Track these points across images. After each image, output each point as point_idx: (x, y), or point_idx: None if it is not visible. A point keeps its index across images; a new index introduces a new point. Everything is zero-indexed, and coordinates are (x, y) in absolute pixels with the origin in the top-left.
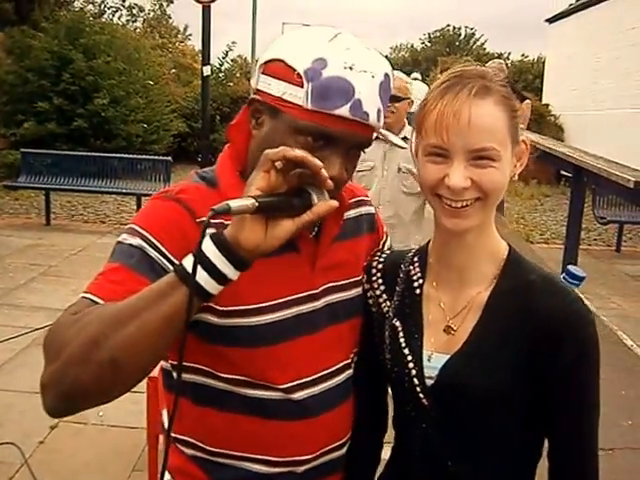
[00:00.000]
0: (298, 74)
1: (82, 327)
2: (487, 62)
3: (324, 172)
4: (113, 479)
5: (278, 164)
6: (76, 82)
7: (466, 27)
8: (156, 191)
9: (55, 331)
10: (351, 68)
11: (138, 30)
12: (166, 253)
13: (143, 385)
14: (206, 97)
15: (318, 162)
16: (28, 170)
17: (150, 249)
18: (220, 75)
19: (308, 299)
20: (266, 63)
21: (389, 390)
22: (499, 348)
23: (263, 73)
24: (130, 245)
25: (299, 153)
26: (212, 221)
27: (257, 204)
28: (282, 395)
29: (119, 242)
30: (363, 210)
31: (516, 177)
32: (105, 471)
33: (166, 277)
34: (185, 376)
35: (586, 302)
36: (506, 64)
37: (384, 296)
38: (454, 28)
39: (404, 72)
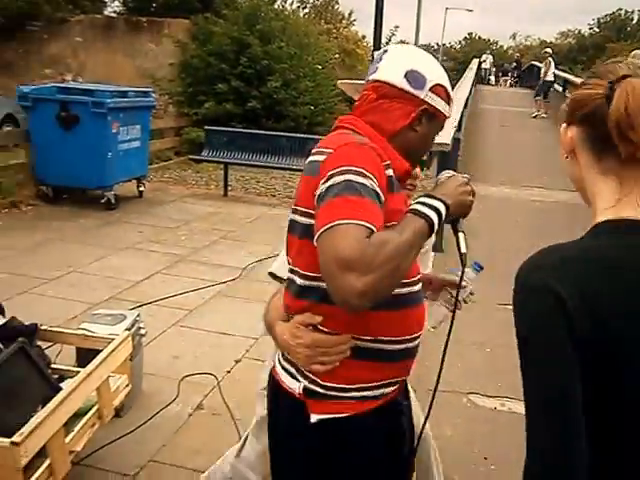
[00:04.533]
0: (450, 97)
1: (390, 256)
2: None
3: None
4: None
5: None
6: (252, 66)
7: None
8: None
9: (362, 251)
10: None
11: (306, 16)
12: (379, 190)
13: None
14: None
15: None
16: (210, 146)
17: (376, 187)
18: None
19: None
20: (435, 86)
21: None
22: None
23: (432, 91)
24: (365, 185)
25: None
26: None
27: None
28: (412, 288)
29: (351, 181)
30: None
31: None
32: None
33: (422, 225)
34: None
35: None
36: None
37: None
38: (625, 12)
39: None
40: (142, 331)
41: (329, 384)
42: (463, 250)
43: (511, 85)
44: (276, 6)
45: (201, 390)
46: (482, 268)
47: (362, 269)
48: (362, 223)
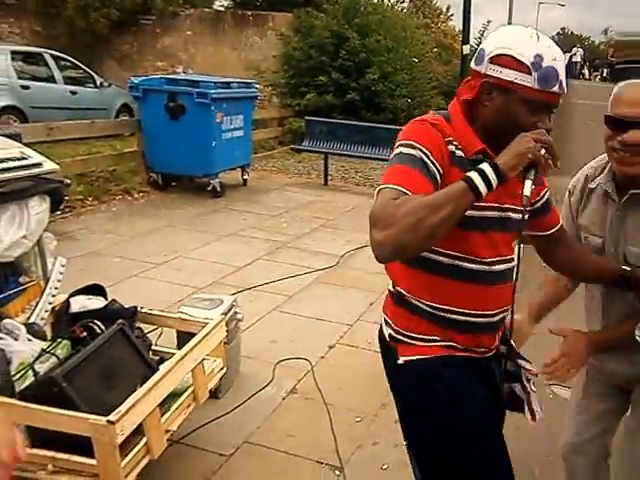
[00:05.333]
0: (527, 66)
1: (408, 211)
2: None
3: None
4: (377, 390)
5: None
6: (351, 58)
7: None
8: None
9: (384, 209)
10: (554, 59)
11: (405, 10)
12: (432, 159)
13: None
14: (465, 75)
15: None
16: (311, 136)
17: (425, 158)
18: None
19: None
20: (495, 56)
21: None
22: None
23: (493, 63)
24: (412, 155)
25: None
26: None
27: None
28: (487, 267)
29: (401, 153)
30: None
31: None
32: (371, 384)
33: (460, 185)
34: (426, 255)
35: None
36: None
37: None
38: None
39: None
40: (239, 316)
41: (403, 331)
42: (525, 193)
43: (601, 80)
44: (375, 0)
45: (295, 374)
46: None
47: (382, 224)
48: (395, 187)
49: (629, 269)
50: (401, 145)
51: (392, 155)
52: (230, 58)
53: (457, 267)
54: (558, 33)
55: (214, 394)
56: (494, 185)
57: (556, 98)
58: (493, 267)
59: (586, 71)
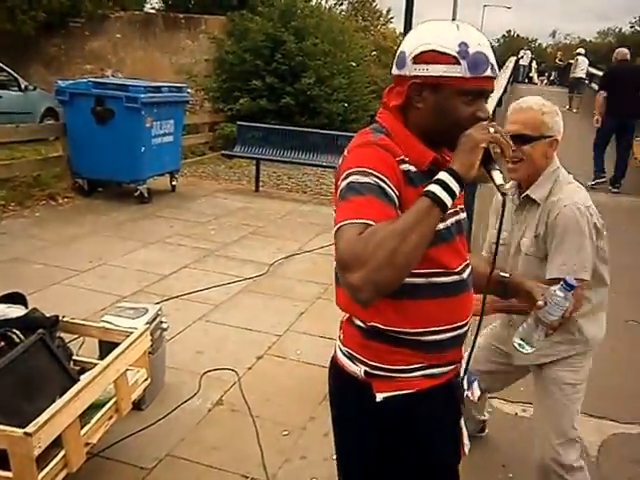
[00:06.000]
0: (453, 56)
1: (379, 243)
2: None
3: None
4: (306, 403)
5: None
6: (286, 62)
7: None
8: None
9: (351, 248)
10: (479, 44)
11: (343, 13)
12: (389, 183)
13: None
14: None
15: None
16: (242, 141)
17: (382, 183)
18: None
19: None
20: (417, 55)
21: None
22: None
23: (417, 62)
24: (368, 183)
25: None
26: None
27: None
28: (459, 277)
29: (352, 183)
30: None
31: None
32: (300, 396)
33: (423, 202)
34: None
35: None
36: None
37: None
38: None
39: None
40: (164, 325)
41: (384, 366)
42: (498, 182)
43: (549, 84)
44: (312, 3)
45: (221, 386)
46: (573, 287)
47: (354, 265)
48: (357, 221)
49: (507, 276)
50: (352, 174)
51: (342, 187)
52: (161, 62)
53: (433, 285)
54: (504, 36)
55: (137, 405)
56: (457, 192)
57: (490, 83)
58: (463, 274)
59: (535, 75)
